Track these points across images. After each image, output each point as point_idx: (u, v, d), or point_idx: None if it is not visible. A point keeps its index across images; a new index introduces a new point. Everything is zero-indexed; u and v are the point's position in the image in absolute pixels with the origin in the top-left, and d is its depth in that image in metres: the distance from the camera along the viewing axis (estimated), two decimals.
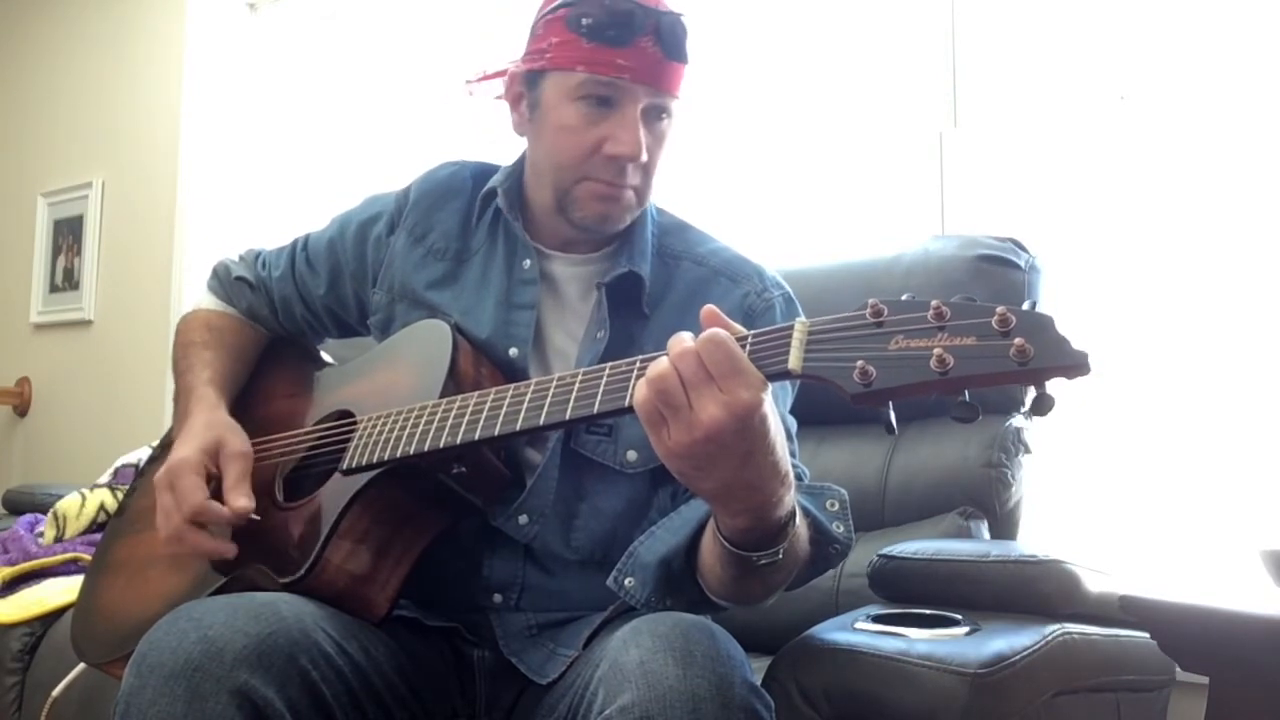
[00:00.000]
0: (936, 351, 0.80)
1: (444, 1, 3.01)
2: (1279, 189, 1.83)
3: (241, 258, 1.53)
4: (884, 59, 2.28)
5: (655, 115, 1.23)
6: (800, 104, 2.40)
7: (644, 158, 1.22)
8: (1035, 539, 1.70)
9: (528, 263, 1.31)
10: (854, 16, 2.34)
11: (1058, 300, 1.76)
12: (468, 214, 1.37)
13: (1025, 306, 0.79)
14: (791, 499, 0.98)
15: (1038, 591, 1.31)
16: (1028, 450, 1.66)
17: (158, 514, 1.23)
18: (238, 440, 1.27)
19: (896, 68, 2.25)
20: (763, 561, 0.99)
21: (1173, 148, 1.94)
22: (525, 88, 1.28)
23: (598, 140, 1.21)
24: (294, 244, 1.48)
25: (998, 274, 1.70)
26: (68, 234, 3.63)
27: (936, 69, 2.20)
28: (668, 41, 1.20)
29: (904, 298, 0.84)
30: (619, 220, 1.27)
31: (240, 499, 1.20)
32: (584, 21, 1.19)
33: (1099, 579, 1.35)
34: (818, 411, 1.34)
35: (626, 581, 1.10)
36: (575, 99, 1.21)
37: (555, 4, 1.23)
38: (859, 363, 0.83)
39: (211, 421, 1.29)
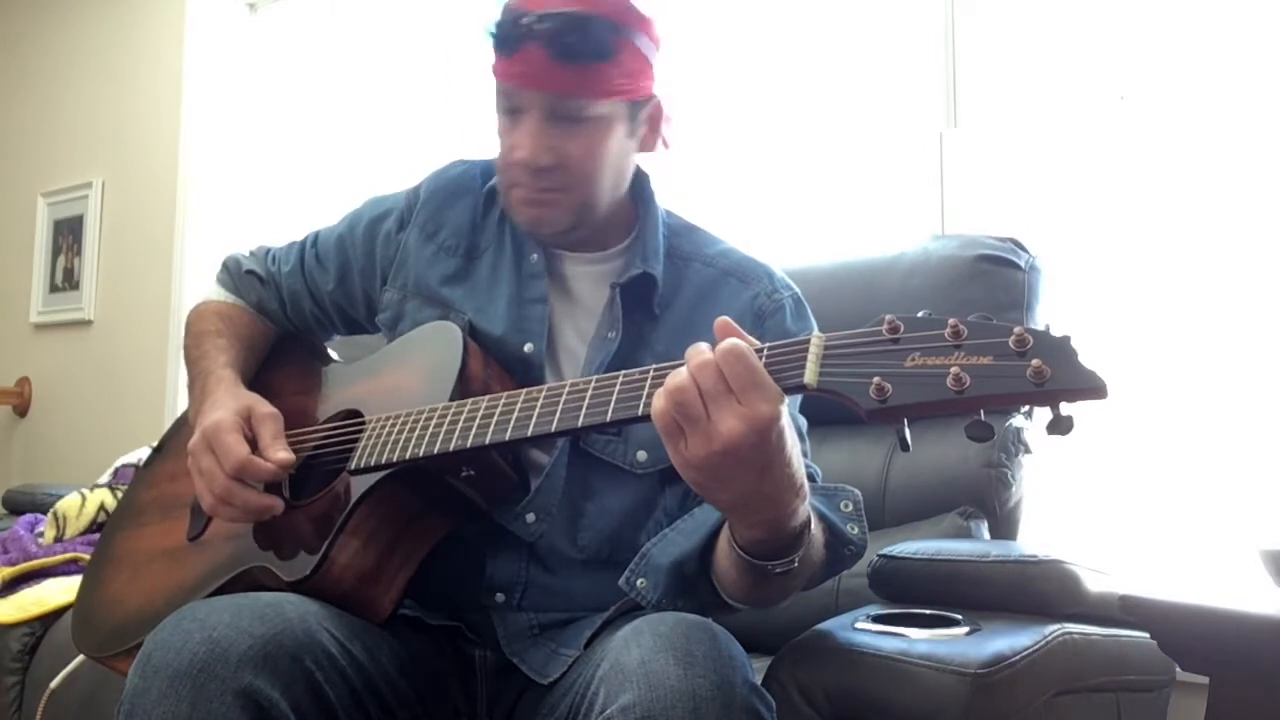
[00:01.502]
0: (953, 370, 0.80)
1: (444, 1, 3.01)
2: (1279, 189, 1.83)
3: (252, 253, 1.53)
4: (883, 59, 2.28)
5: (568, 118, 1.20)
6: (800, 104, 2.40)
7: (542, 162, 1.21)
8: (1035, 539, 1.70)
9: (534, 256, 1.32)
10: (853, 17, 2.34)
11: (1057, 300, 1.76)
12: (476, 211, 1.38)
13: (1043, 328, 0.79)
14: (806, 509, 0.98)
15: (1038, 591, 1.31)
16: (1028, 450, 1.66)
17: (197, 480, 1.22)
18: (266, 405, 1.27)
19: (896, 68, 2.25)
20: (778, 570, 1.00)
21: (1173, 148, 1.94)
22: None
23: (510, 148, 1.23)
24: (304, 240, 1.49)
25: (998, 274, 1.70)
26: (68, 234, 3.62)
27: (936, 69, 2.20)
28: (555, 45, 1.17)
29: (920, 314, 0.85)
30: (556, 223, 1.26)
31: (280, 452, 1.20)
32: (489, 31, 1.22)
33: (1099, 579, 1.35)
34: (818, 411, 1.34)
35: (639, 583, 1.11)
36: (498, 109, 1.24)
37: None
38: (875, 379, 0.83)
39: (236, 393, 1.30)
